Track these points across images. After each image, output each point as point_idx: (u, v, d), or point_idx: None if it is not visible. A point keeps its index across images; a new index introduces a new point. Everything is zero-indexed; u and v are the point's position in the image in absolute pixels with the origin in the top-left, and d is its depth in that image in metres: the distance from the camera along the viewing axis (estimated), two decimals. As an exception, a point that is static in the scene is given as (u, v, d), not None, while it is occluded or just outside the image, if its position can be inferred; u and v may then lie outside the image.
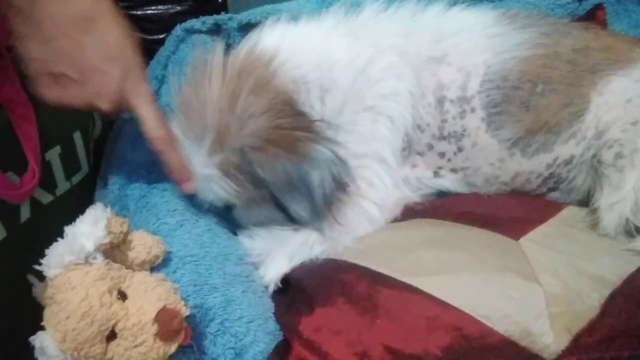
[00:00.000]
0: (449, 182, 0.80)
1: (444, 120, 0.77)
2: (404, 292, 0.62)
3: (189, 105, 0.71)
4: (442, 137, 0.78)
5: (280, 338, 0.65)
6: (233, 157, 0.69)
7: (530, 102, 0.74)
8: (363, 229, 0.74)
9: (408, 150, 0.79)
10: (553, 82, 0.74)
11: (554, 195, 0.79)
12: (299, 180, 0.69)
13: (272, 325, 0.66)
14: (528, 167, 0.77)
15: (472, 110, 0.76)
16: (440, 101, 0.77)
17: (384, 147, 0.76)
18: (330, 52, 0.75)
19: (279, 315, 0.67)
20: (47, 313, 0.54)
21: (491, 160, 0.77)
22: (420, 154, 0.79)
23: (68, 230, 0.56)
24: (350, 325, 0.61)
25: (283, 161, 0.68)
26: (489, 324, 0.58)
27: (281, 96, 0.70)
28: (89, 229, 0.56)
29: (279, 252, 0.72)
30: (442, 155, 0.79)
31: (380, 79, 0.76)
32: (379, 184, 0.76)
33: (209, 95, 0.69)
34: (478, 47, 0.77)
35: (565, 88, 0.74)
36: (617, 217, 0.69)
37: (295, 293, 0.68)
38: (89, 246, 0.55)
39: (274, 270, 0.71)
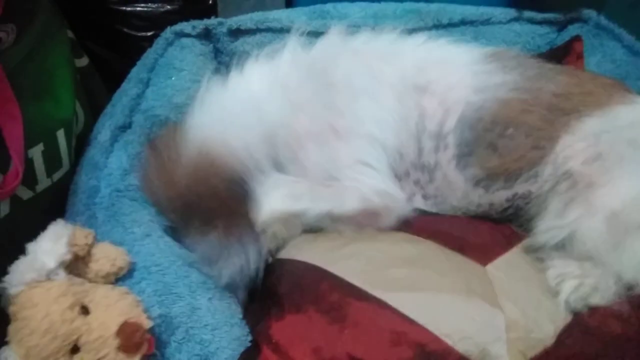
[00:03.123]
0: (421, 206, 0.81)
1: (421, 151, 0.79)
2: (373, 306, 0.64)
3: None
4: (418, 167, 0.79)
5: (247, 344, 0.66)
6: None
7: (498, 144, 0.75)
8: (352, 204, 0.74)
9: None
10: (525, 126, 0.74)
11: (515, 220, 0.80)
12: None
13: (238, 331, 0.67)
14: (489, 200, 0.78)
15: (446, 146, 0.77)
16: (421, 132, 0.78)
17: (370, 159, 0.77)
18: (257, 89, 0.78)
19: (250, 318, 0.69)
20: (11, 329, 0.56)
21: (457, 193, 0.79)
22: (399, 178, 0.80)
23: (30, 247, 0.58)
24: (319, 333, 0.63)
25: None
26: (450, 342, 0.60)
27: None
28: (51, 245, 0.58)
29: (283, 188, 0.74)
30: (416, 182, 0.80)
31: (351, 105, 0.77)
32: (370, 177, 0.76)
33: None
34: (461, 83, 0.77)
35: (536, 132, 0.74)
36: (549, 239, 0.70)
37: (268, 297, 0.70)
38: (50, 263, 0.57)
39: (268, 206, 0.72)
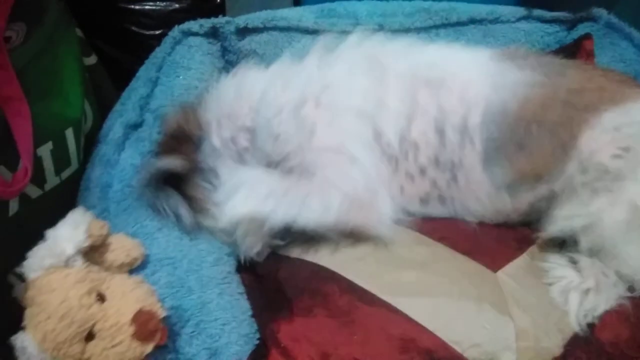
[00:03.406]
0: (435, 211, 0.78)
1: (443, 146, 0.75)
2: (382, 310, 0.64)
3: None
4: (438, 164, 0.76)
5: (255, 341, 0.67)
6: None
7: (525, 142, 0.73)
8: (315, 212, 0.70)
9: (395, 166, 0.77)
10: (547, 122, 0.73)
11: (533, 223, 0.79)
12: None
13: (246, 328, 0.67)
14: (512, 206, 0.76)
15: (472, 142, 0.75)
16: (441, 126, 0.75)
17: (351, 142, 0.74)
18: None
19: (258, 318, 0.69)
20: (28, 314, 0.56)
21: (480, 196, 0.76)
22: (411, 177, 0.77)
23: (49, 233, 0.58)
24: (328, 338, 0.63)
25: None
26: (459, 350, 0.61)
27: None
28: (70, 232, 0.58)
29: (245, 192, 0.72)
30: (433, 183, 0.77)
31: (339, 81, 0.76)
32: (346, 178, 0.72)
33: None
34: (478, 81, 0.76)
35: (558, 128, 0.73)
36: (566, 226, 0.70)
37: (275, 295, 0.70)
38: (70, 250, 0.57)
39: (237, 205, 0.72)
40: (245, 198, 0.71)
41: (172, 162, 0.74)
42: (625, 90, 0.75)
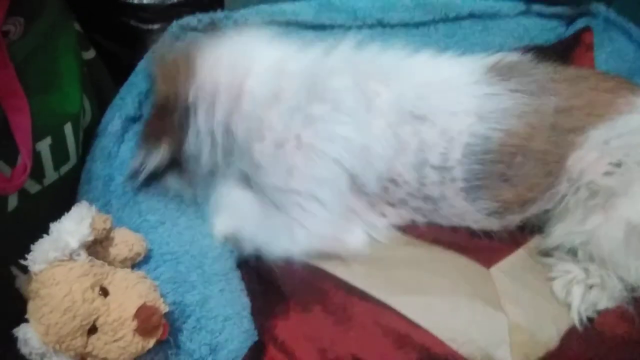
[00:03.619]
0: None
1: (423, 183, 0.74)
2: (378, 308, 0.65)
3: None
4: (419, 197, 0.76)
5: (254, 337, 0.67)
6: None
7: (509, 174, 0.72)
8: (283, 245, 0.72)
9: (374, 200, 0.76)
10: (532, 151, 0.72)
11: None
12: None
13: (246, 324, 0.68)
14: (501, 224, 0.76)
15: (452, 179, 0.73)
16: (422, 163, 0.74)
17: (322, 188, 0.73)
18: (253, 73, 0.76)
19: (255, 315, 0.70)
20: (31, 306, 0.56)
21: (465, 220, 0.76)
22: (392, 205, 0.77)
23: (53, 227, 0.59)
24: (325, 334, 0.64)
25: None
26: (454, 346, 0.61)
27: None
28: (74, 226, 0.58)
29: (226, 215, 0.75)
30: (417, 210, 0.77)
31: (323, 118, 0.73)
32: (315, 220, 0.73)
33: None
34: (463, 110, 0.73)
35: (544, 156, 0.72)
36: (565, 242, 0.71)
37: (272, 293, 0.70)
38: (74, 243, 0.57)
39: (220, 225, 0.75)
40: (225, 220, 0.75)
41: (158, 159, 0.74)
42: (615, 101, 0.73)
